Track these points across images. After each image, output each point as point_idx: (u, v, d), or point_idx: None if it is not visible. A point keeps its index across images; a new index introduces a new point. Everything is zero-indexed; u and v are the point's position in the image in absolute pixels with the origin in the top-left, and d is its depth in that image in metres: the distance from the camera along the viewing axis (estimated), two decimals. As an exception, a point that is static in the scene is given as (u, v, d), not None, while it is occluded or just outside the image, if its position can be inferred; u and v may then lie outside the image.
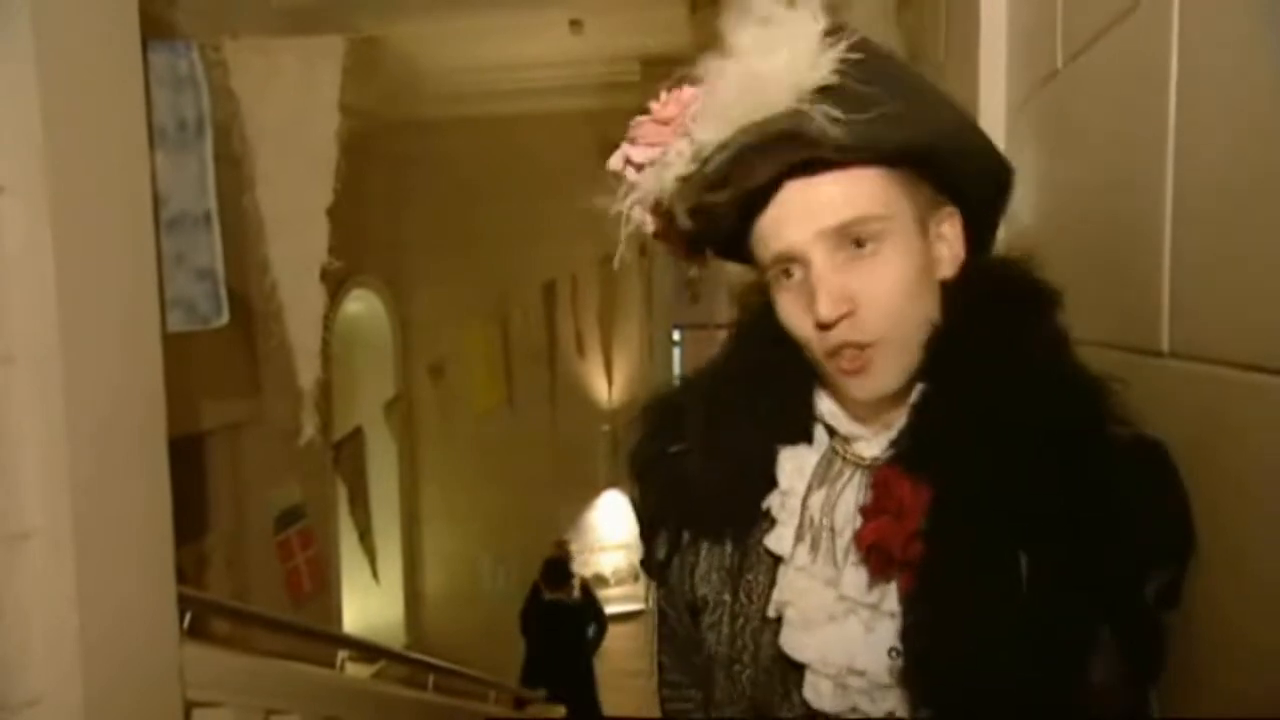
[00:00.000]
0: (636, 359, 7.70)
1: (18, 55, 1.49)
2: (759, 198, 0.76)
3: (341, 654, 3.21)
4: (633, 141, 0.80)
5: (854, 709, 0.80)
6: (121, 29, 1.78)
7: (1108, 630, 0.73)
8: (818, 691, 0.81)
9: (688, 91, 0.78)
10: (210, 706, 1.98)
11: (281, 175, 2.74)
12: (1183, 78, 0.77)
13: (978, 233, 0.84)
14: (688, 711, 0.99)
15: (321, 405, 3.05)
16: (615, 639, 6.24)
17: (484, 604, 7.35)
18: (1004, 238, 0.92)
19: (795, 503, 0.84)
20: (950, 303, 0.79)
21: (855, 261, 0.76)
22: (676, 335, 7.00)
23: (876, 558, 0.76)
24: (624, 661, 6.44)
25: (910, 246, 0.77)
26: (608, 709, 5.85)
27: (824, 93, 0.71)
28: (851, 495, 0.82)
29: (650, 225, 0.83)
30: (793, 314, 0.79)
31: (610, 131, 0.84)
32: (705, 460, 0.85)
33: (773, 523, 0.86)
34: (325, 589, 5.88)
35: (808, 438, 0.87)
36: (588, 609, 5.92)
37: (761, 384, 0.86)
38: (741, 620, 0.87)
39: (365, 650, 3.80)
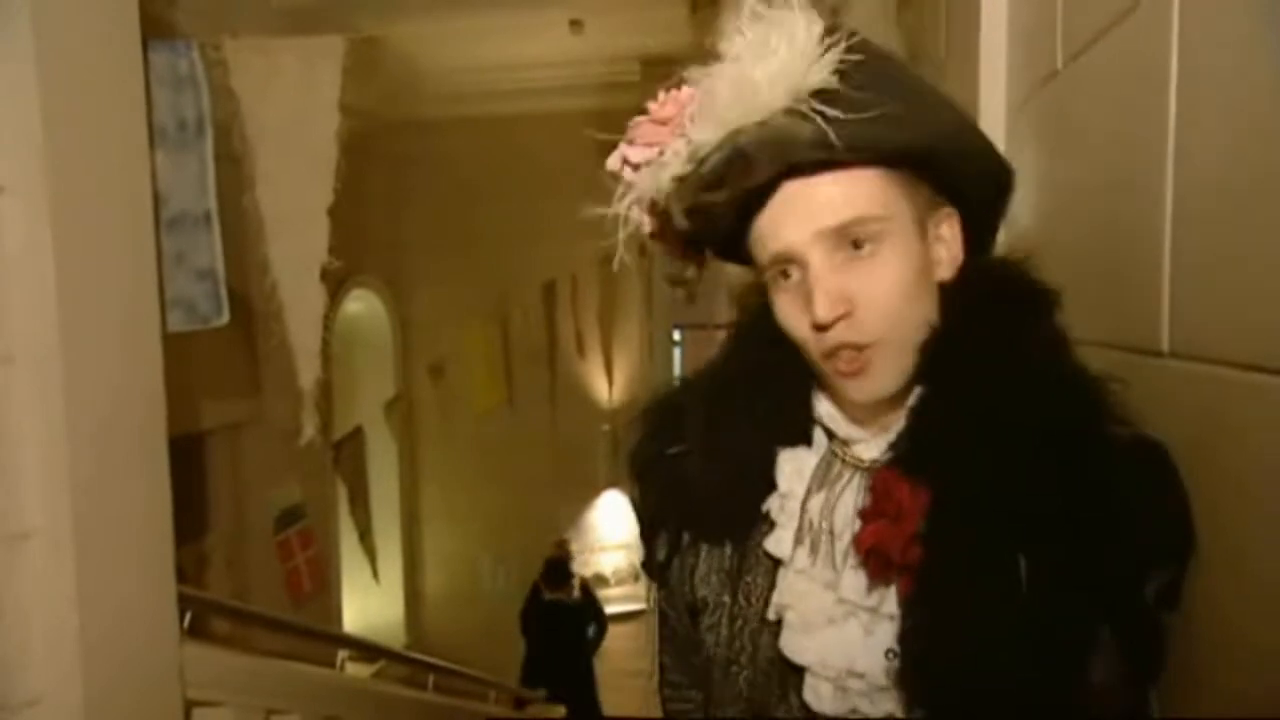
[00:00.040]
0: (636, 359, 7.70)
1: (18, 55, 1.49)
2: (757, 198, 0.76)
3: (341, 654, 3.21)
4: (630, 142, 0.80)
5: (854, 711, 0.80)
6: (121, 29, 1.78)
7: (1107, 630, 0.73)
8: (817, 694, 0.81)
9: (685, 92, 0.78)
10: (210, 706, 1.98)
11: (281, 175, 2.74)
12: (1183, 78, 0.77)
13: (977, 234, 0.84)
14: (688, 712, 0.99)
15: (321, 405, 3.05)
16: (615, 639, 6.24)
17: (484, 604, 7.36)
18: (1003, 238, 0.92)
19: (794, 505, 0.84)
20: (948, 304, 0.79)
21: (853, 263, 0.76)
22: (676, 335, 6.99)
23: (875, 561, 0.76)
24: (624, 661, 6.44)
25: (909, 248, 0.77)
26: (608, 709, 5.85)
27: (822, 94, 0.71)
28: (851, 498, 0.82)
29: (648, 225, 0.83)
30: (790, 315, 0.79)
31: (610, 132, 0.84)
32: (705, 462, 0.85)
33: (772, 525, 0.86)
34: (325, 589, 5.88)
35: (807, 440, 0.87)
36: (588, 609, 5.92)
37: (760, 385, 0.86)
38: (740, 622, 0.87)
39: (365, 650, 3.80)
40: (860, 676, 0.79)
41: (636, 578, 7.55)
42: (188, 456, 4.06)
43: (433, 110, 6.77)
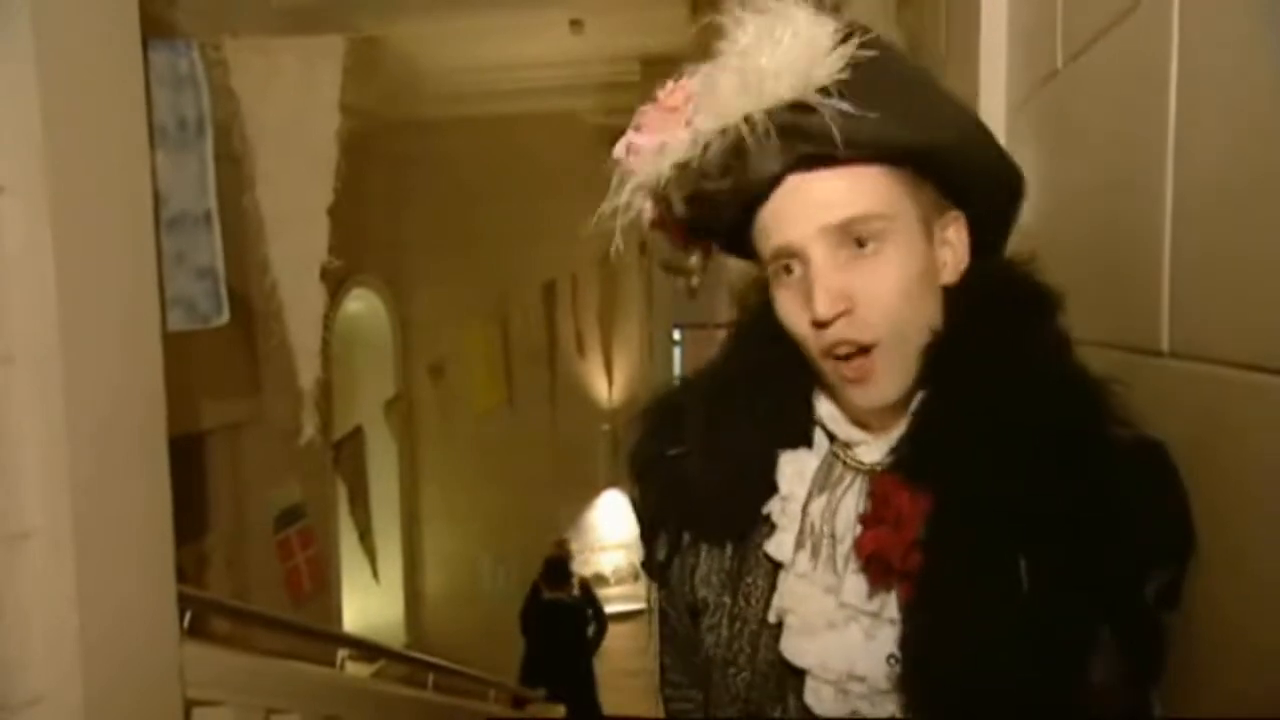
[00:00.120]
0: (636, 359, 7.70)
1: (18, 55, 1.49)
2: (761, 190, 0.76)
3: (341, 653, 3.21)
4: (637, 129, 0.80)
5: (854, 713, 0.80)
6: (121, 28, 1.78)
7: (1108, 630, 0.73)
8: (818, 697, 0.81)
9: (694, 81, 0.77)
10: (210, 705, 1.98)
11: (281, 175, 2.74)
12: (1183, 78, 0.77)
13: (985, 239, 0.83)
14: (689, 712, 0.99)
15: (321, 405, 3.04)
16: (615, 639, 6.25)
17: (484, 604, 7.36)
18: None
19: (795, 508, 0.84)
20: (952, 307, 0.79)
21: (856, 261, 0.75)
22: (676, 335, 6.99)
23: (875, 567, 0.76)
24: (624, 661, 6.45)
25: (913, 248, 0.76)
26: (608, 709, 5.86)
27: (833, 88, 0.71)
28: (852, 501, 0.81)
29: (649, 213, 0.83)
30: (790, 311, 0.79)
31: (610, 131, 0.83)
32: (705, 462, 0.85)
33: (773, 528, 0.85)
34: (325, 589, 5.88)
35: (807, 441, 0.86)
36: (587, 608, 5.92)
37: (761, 385, 0.85)
38: (740, 623, 0.87)
39: (365, 649, 3.80)
40: (861, 680, 0.79)
41: (636, 577, 7.56)
42: (188, 456, 4.06)
43: (433, 110, 6.77)
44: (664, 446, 0.89)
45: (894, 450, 0.79)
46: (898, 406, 0.80)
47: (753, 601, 0.86)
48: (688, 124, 0.76)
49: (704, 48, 0.79)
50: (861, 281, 0.75)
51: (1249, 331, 0.68)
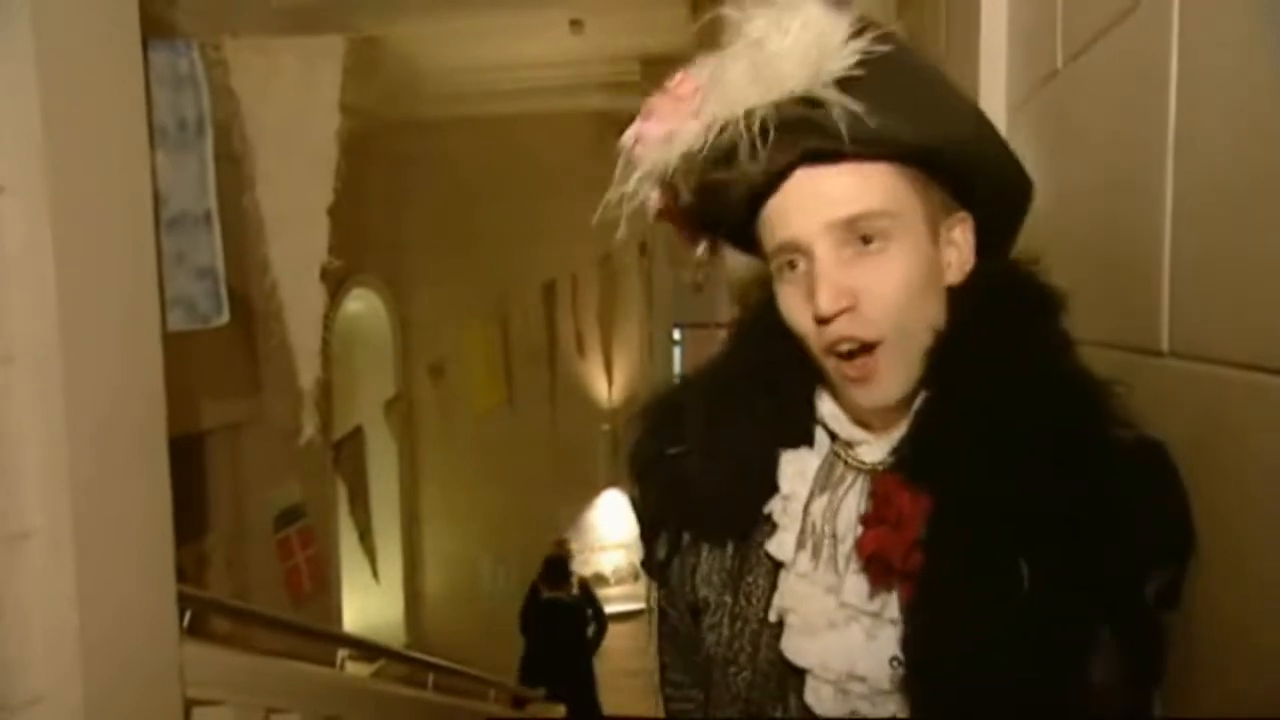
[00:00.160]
0: (636, 359, 7.71)
1: (18, 55, 1.49)
2: (768, 183, 0.76)
3: (341, 653, 3.21)
4: (645, 118, 0.79)
5: (854, 713, 0.80)
6: (121, 28, 1.78)
7: (1108, 630, 0.73)
8: (819, 696, 0.81)
9: (703, 71, 0.77)
10: (210, 705, 1.98)
11: (281, 175, 2.74)
12: (1183, 78, 0.77)
13: (990, 240, 0.83)
14: (689, 712, 0.99)
15: (321, 405, 3.04)
16: (615, 639, 6.24)
17: (484, 604, 7.36)
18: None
19: (797, 508, 0.84)
20: (955, 307, 0.79)
21: (861, 258, 0.75)
22: (676, 335, 7.01)
23: (876, 567, 0.76)
24: (624, 661, 6.45)
25: (918, 247, 0.76)
26: (608, 709, 5.86)
27: (843, 83, 0.71)
28: (853, 501, 0.81)
29: (655, 203, 0.82)
30: (793, 307, 0.79)
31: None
32: (705, 462, 0.85)
33: (774, 527, 0.85)
34: (325, 588, 5.88)
35: (809, 440, 0.86)
36: (587, 608, 5.92)
37: (762, 384, 0.85)
38: (741, 622, 0.87)
39: (365, 649, 3.80)
40: (862, 680, 0.79)
41: (636, 577, 7.56)
42: (188, 456, 4.06)
43: (433, 110, 6.77)
44: (664, 445, 0.89)
45: (895, 450, 0.79)
46: (900, 406, 0.80)
47: (753, 601, 0.86)
48: (696, 114, 0.75)
49: (704, 47, 0.79)
50: (866, 279, 0.75)
51: (1249, 331, 0.68)
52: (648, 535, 0.94)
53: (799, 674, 0.82)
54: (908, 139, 0.73)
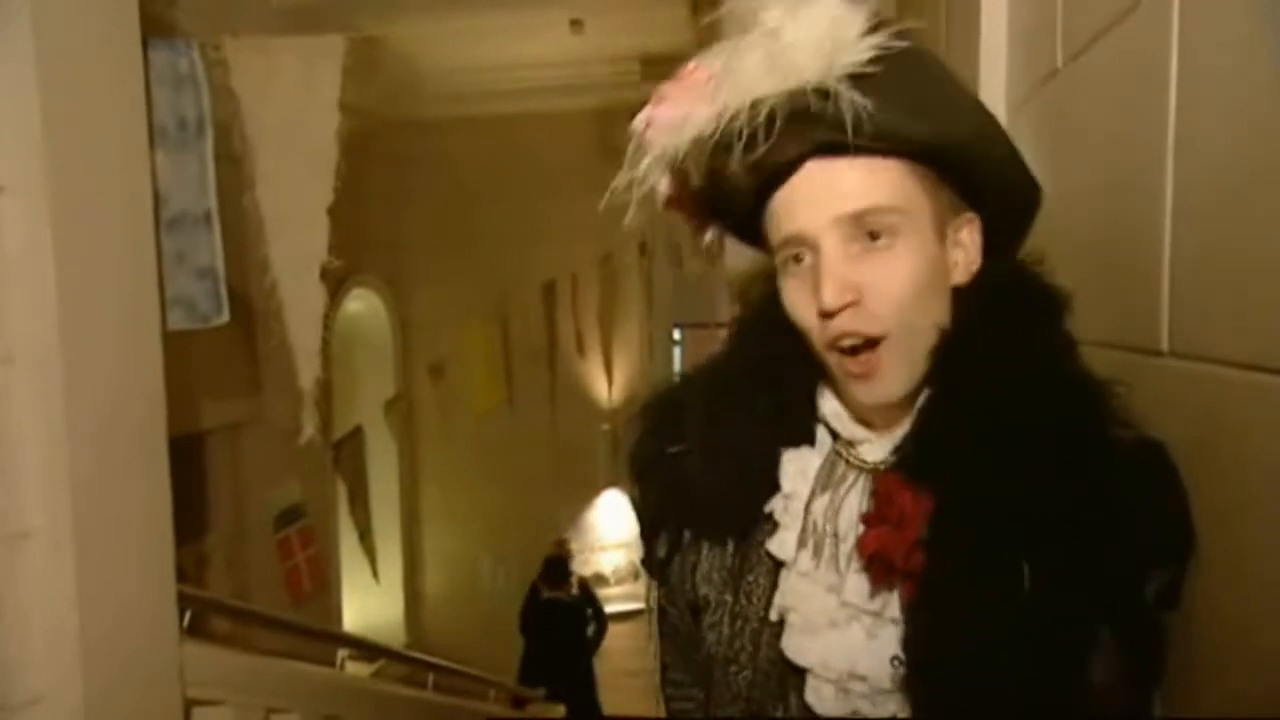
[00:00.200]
0: (636, 359, 7.71)
1: (18, 55, 1.49)
2: (778, 173, 0.76)
3: (341, 653, 3.21)
4: (658, 103, 0.79)
5: (855, 712, 0.80)
6: (121, 28, 1.78)
7: (1108, 631, 0.73)
8: (819, 696, 0.81)
9: (718, 59, 0.77)
10: (210, 705, 1.98)
11: (281, 175, 2.74)
12: (1183, 78, 0.77)
13: (998, 241, 0.83)
14: (690, 711, 0.98)
15: (321, 405, 3.05)
16: (615, 638, 6.24)
17: (484, 604, 7.36)
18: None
19: (798, 506, 0.84)
20: (960, 307, 0.78)
21: (867, 254, 0.75)
22: (676, 335, 7.00)
23: (878, 567, 0.76)
24: (624, 661, 6.45)
25: (925, 246, 0.76)
26: (607, 708, 5.86)
27: (856, 78, 0.71)
28: (855, 501, 0.81)
29: (664, 188, 0.82)
30: (798, 302, 0.78)
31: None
32: (705, 461, 0.85)
33: (775, 526, 0.85)
34: (325, 588, 5.88)
35: (810, 439, 0.86)
36: (586, 608, 5.93)
37: (763, 382, 0.85)
38: (741, 621, 0.86)
39: (365, 649, 3.80)
40: (863, 679, 0.79)
41: (636, 577, 7.56)
42: (188, 456, 4.06)
43: (433, 110, 6.78)
44: (664, 444, 0.89)
45: (897, 449, 0.79)
46: (902, 405, 0.80)
47: (754, 599, 0.86)
48: (710, 99, 0.75)
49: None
50: (872, 275, 0.75)
51: (1249, 331, 0.68)
52: (648, 534, 0.94)
53: (800, 673, 0.82)
54: (919, 136, 0.73)
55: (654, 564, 0.94)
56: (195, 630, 1.98)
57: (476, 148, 6.99)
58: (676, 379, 0.98)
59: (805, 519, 0.83)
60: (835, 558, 0.81)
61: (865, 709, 0.79)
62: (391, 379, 7.53)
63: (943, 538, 0.73)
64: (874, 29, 0.72)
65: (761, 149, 0.73)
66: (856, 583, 0.79)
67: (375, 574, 7.14)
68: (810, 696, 0.81)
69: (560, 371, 7.72)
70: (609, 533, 7.85)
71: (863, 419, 0.83)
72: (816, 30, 0.71)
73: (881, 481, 0.78)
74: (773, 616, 0.84)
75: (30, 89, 1.50)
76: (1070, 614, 0.71)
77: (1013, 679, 0.70)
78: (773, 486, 0.85)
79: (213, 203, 2.38)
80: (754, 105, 0.72)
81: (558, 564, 5.94)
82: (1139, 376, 0.78)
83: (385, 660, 4.23)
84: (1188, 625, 0.75)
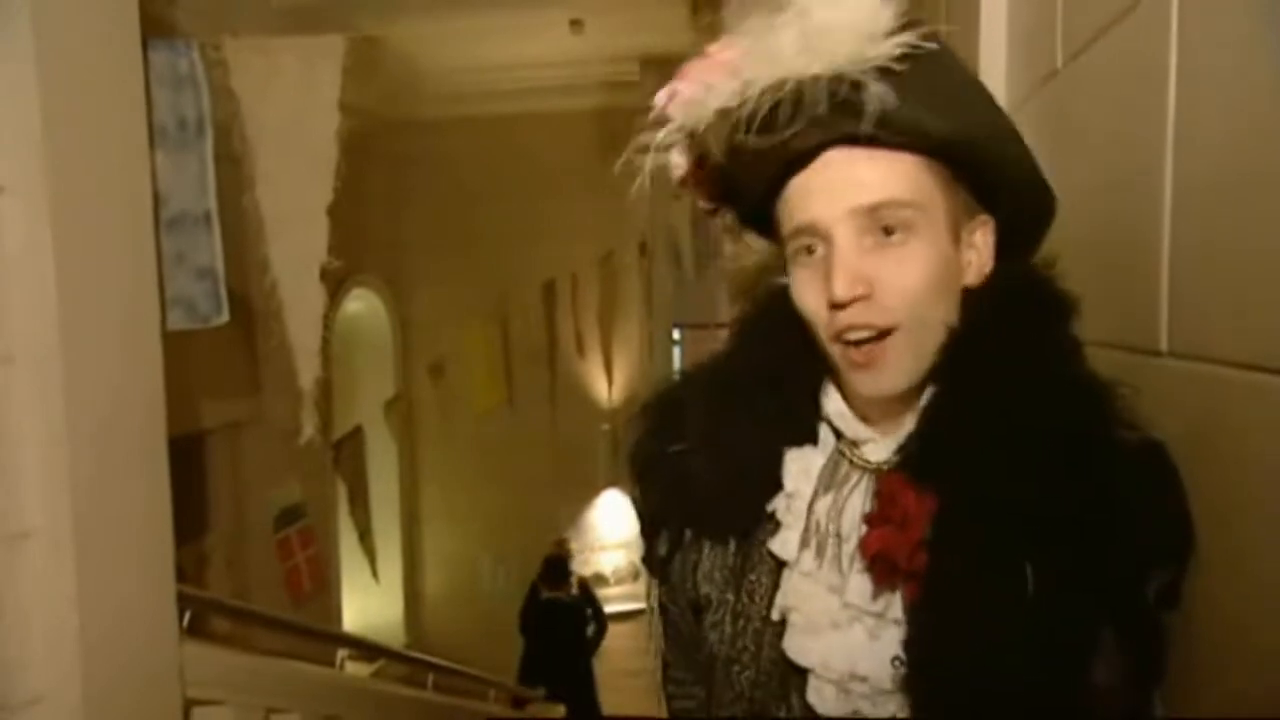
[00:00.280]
0: (636, 359, 7.70)
1: (18, 55, 1.49)
2: (798, 159, 0.75)
3: (341, 653, 3.21)
4: (683, 77, 0.78)
5: (856, 713, 0.80)
6: (121, 28, 1.78)
7: (1110, 631, 0.73)
8: (821, 696, 0.81)
9: (747, 37, 0.76)
10: (210, 705, 1.98)
11: (281, 175, 2.74)
12: (1182, 78, 0.78)
13: (1011, 243, 0.83)
14: (691, 710, 0.98)
15: (321, 405, 3.04)
16: (615, 638, 6.24)
17: (484, 604, 7.36)
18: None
19: (801, 506, 0.84)
20: (970, 308, 0.78)
21: (881, 248, 0.74)
22: (676, 335, 7.00)
23: (881, 567, 0.76)
24: (624, 661, 6.44)
25: (939, 244, 0.76)
26: (608, 709, 5.86)
27: (885, 74, 0.70)
28: (858, 501, 0.81)
29: (680, 167, 0.81)
30: (807, 293, 0.78)
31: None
32: (707, 460, 0.84)
33: (777, 525, 0.85)
34: (325, 588, 5.89)
35: (813, 438, 0.86)
36: (586, 608, 5.92)
37: (766, 381, 0.84)
38: (743, 621, 0.86)
39: (365, 649, 3.80)
40: (864, 680, 0.79)
41: (636, 577, 7.55)
42: (188, 456, 4.06)
43: (433, 110, 6.78)
44: (665, 443, 0.88)
45: (901, 449, 0.79)
46: (903, 402, 0.79)
47: (756, 599, 0.86)
48: (737, 73, 0.74)
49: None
50: (884, 269, 0.74)
51: (1248, 331, 0.68)
52: (649, 532, 0.94)
53: (801, 673, 0.82)
54: (939, 133, 0.73)
55: (655, 562, 0.94)
56: (195, 630, 1.98)
57: (476, 148, 6.99)
58: (677, 377, 0.98)
59: (808, 519, 0.83)
60: (838, 558, 0.81)
61: (866, 709, 0.79)
62: (391, 379, 7.53)
63: (946, 538, 0.73)
64: (904, 27, 0.72)
65: (783, 133, 0.73)
66: (859, 583, 0.79)
67: (375, 574, 7.14)
68: (812, 697, 0.81)
69: (560, 371, 7.72)
70: (609, 533, 7.85)
71: (864, 416, 0.82)
72: (854, 16, 0.71)
73: (885, 482, 0.78)
74: (774, 616, 0.84)
75: (30, 89, 1.50)
76: (1074, 615, 0.71)
77: (1015, 680, 0.70)
78: (775, 486, 0.85)
79: (213, 203, 2.38)
80: (780, 83, 0.72)
81: (558, 564, 5.94)
82: (1138, 376, 0.78)
83: (385, 660, 4.23)
84: (1188, 625, 0.75)
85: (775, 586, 0.85)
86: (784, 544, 0.84)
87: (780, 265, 0.83)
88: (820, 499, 0.83)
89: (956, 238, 0.78)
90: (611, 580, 7.79)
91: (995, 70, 1.32)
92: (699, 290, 5.76)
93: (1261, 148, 0.65)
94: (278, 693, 2.25)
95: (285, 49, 2.77)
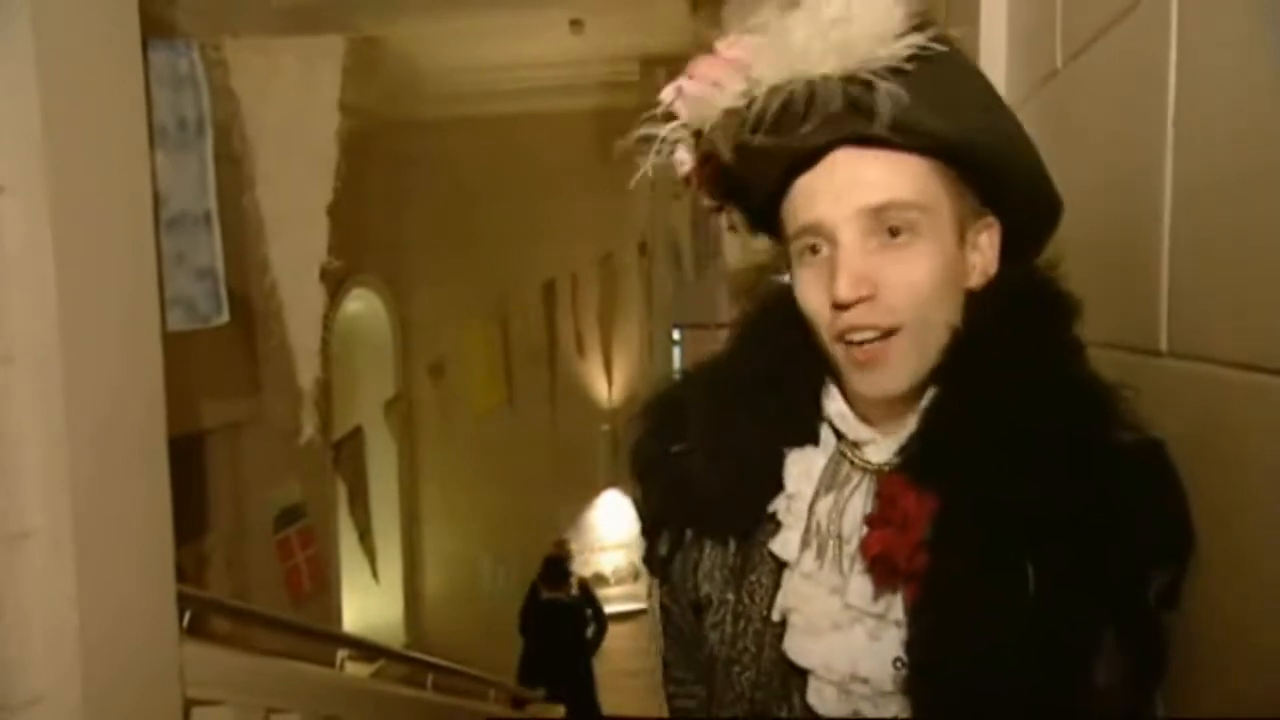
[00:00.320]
0: (636, 359, 7.71)
1: (18, 55, 1.49)
2: (805, 158, 0.75)
3: (341, 653, 3.21)
4: (690, 75, 0.78)
5: (856, 713, 0.80)
6: (121, 28, 1.78)
7: (1110, 631, 0.73)
8: (821, 697, 0.81)
9: (756, 36, 0.75)
10: (210, 705, 1.98)
11: (281, 175, 2.74)
12: (1182, 78, 0.78)
13: (1016, 246, 0.82)
14: (692, 710, 0.98)
15: (321, 405, 3.04)
16: (615, 639, 6.24)
17: (484, 604, 7.36)
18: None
19: (802, 507, 0.83)
20: (972, 309, 0.78)
21: (886, 249, 0.74)
22: (676, 335, 7.00)
23: (881, 568, 0.76)
24: (624, 661, 6.44)
25: (944, 246, 0.76)
26: (608, 709, 5.86)
27: (896, 73, 0.70)
28: (859, 502, 0.81)
29: (686, 165, 0.81)
30: (811, 293, 0.78)
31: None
32: (708, 460, 0.84)
33: (778, 526, 0.85)
34: (325, 588, 5.89)
35: (814, 439, 0.85)
36: (586, 608, 5.93)
37: (767, 382, 0.84)
38: (744, 621, 0.86)
39: (365, 649, 3.80)
40: (865, 681, 0.79)
41: (636, 577, 7.56)
42: (188, 456, 4.07)
43: (433, 110, 6.78)
44: (666, 443, 0.88)
45: (902, 450, 0.79)
46: (904, 403, 0.79)
47: (756, 599, 0.86)
48: (747, 71, 0.74)
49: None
50: (889, 270, 0.74)
51: (1248, 331, 0.68)
52: (649, 532, 0.94)
53: (802, 674, 0.82)
54: (947, 134, 0.73)
55: (656, 562, 0.93)
56: (195, 630, 1.98)
57: (476, 148, 6.99)
58: (678, 378, 0.98)
59: (809, 520, 0.83)
60: (839, 559, 0.81)
61: (867, 710, 0.79)
62: (391, 379, 7.53)
63: (947, 539, 0.73)
64: (917, 28, 0.72)
65: (795, 133, 0.72)
66: (860, 585, 0.79)
67: (375, 574, 7.15)
68: (812, 698, 0.81)
69: (560, 371, 7.72)
70: (609, 533, 7.85)
71: (865, 417, 0.82)
72: (868, 15, 0.71)
73: (886, 483, 0.78)
74: (775, 617, 0.84)
75: (30, 89, 1.50)
76: (1075, 616, 0.71)
77: (1016, 681, 0.70)
78: (776, 486, 0.85)
79: (212, 203, 2.37)
80: (790, 82, 0.72)
81: (557, 564, 5.94)
82: (1138, 377, 0.78)
83: (385, 660, 4.23)
84: (1188, 625, 0.75)
85: (776, 587, 0.85)
86: (785, 545, 0.84)
87: (781, 264, 0.83)
88: (821, 500, 0.83)
89: (962, 239, 0.78)
90: (611, 580, 7.80)
91: (995, 70, 1.32)
92: (699, 290, 5.76)
93: (1261, 148, 0.65)
94: (278, 693, 2.25)
95: (285, 49, 2.77)
